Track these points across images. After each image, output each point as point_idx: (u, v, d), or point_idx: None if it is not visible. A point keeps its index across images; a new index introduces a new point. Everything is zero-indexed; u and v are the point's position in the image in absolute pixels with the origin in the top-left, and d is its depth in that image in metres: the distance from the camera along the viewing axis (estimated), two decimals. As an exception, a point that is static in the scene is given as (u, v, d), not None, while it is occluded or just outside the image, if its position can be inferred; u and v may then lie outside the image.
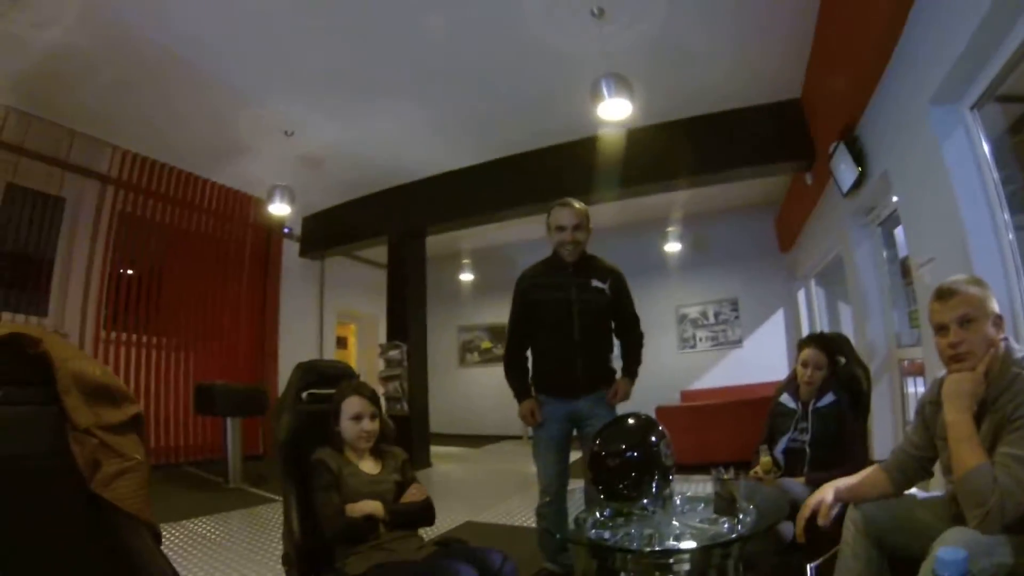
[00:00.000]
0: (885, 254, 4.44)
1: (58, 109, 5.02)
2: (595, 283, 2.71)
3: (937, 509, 1.63)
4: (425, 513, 1.88)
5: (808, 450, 2.47)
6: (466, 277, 9.82)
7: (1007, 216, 2.71)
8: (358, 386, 1.97)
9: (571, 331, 2.66)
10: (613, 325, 2.84)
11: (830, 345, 2.66)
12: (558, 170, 5.89)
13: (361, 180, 6.95)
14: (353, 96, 5.06)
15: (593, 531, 1.58)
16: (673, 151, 5.42)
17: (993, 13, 2.27)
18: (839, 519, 1.73)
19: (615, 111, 4.08)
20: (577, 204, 2.75)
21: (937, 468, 1.72)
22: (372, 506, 1.77)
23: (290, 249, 7.90)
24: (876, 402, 3.09)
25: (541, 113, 5.40)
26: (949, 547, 0.90)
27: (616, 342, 2.88)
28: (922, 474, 1.76)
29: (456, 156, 6.36)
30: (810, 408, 2.56)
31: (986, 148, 2.80)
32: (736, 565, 1.49)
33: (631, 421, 1.84)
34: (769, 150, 5.21)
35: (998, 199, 2.73)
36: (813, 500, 1.74)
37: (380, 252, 7.55)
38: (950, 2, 2.59)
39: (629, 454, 1.67)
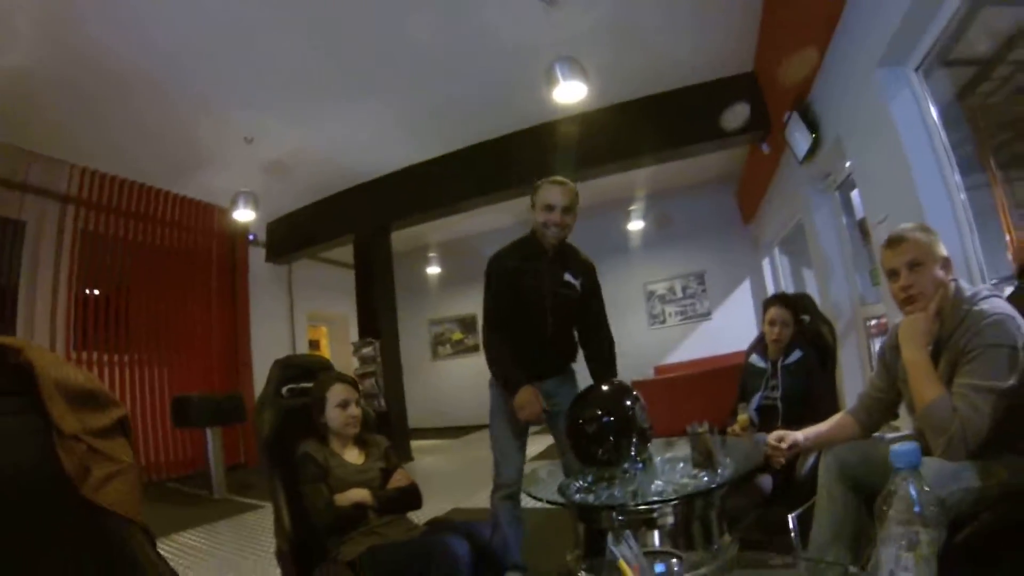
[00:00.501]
0: (844, 220, 4.57)
1: (14, 131, 4.85)
2: (568, 277, 2.49)
3: None
4: (412, 496, 1.92)
5: (780, 406, 2.55)
6: (433, 270, 9.81)
7: (957, 177, 2.83)
8: (339, 375, 2.01)
9: (543, 326, 2.46)
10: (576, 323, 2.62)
11: (794, 304, 2.75)
12: (520, 157, 5.91)
13: (323, 182, 6.89)
14: (310, 98, 5.01)
15: (578, 496, 1.61)
16: (632, 131, 5.50)
17: None
18: (814, 468, 1.80)
19: (571, 94, 4.13)
20: (569, 183, 2.48)
21: (903, 410, 1.80)
22: (360, 494, 1.80)
23: (256, 255, 7.80)
24: (844, 360, 3.21)
25: (499, 102, 5.42)
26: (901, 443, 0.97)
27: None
28: (888, 415, 1.85)
29: (416, 150, 6.35)
30: (779, 365, 2.64)
31: (934, 111, 2.91)
32: (719, 517, 1.54)
33: (604, 388, 1.88)
34: (732, 121, 5.29)
35: (948, 160, 2.84)
36: (779, 433, 1.84)
37: (347, 252, 7.51)
38: None
39: (606, 419, 1.70)
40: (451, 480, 5.28)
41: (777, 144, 5.01)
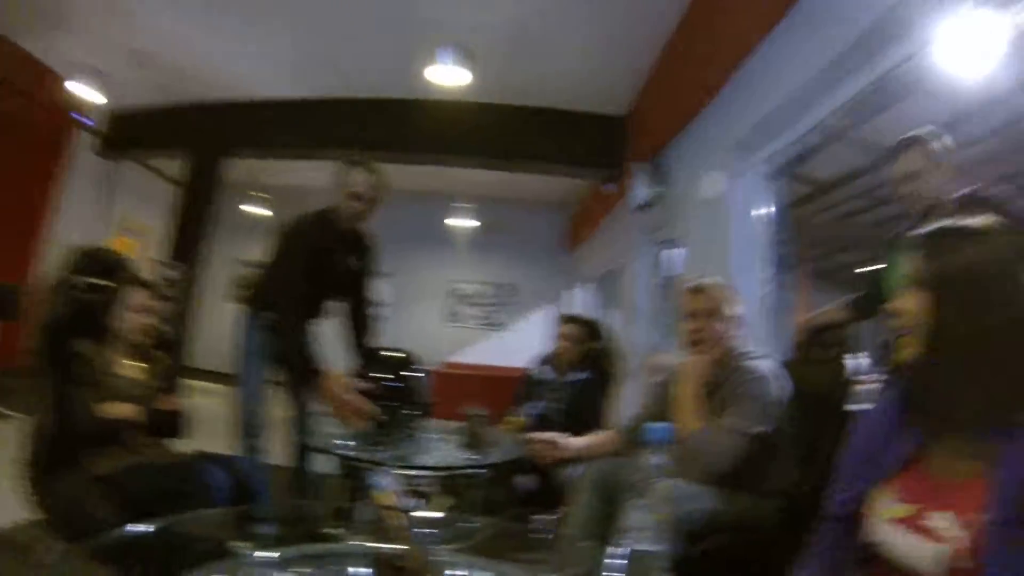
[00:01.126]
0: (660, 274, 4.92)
1: None
2: (353, 261, 2.51)
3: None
4: (177, 422, 1.83)
5: (559, 419, 2.66)
6: (256, 210, 8.80)
7: (770, 272, 3.14)
8: (145, 280, 1.87)
9: (323, 305, 2.48)
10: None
11: (589, 326, 2.91)
12: (374, 123, 5.59)
13: (181, 87, 5.88)
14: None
15: (344, 451, 1.65)
16: (492, 131, 5.45)
17: (802, 92, 2.66)
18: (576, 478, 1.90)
19: (446, 78, 4.05)
20: (383, 175, 2.43)
21: None
22: (128, 409, 1.67)
23: (87, 146, 6.46)
24: (630, 399, 3.42)
25: (373, 64, 5.06)
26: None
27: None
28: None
29: (277, 85, 5.69)
30: (565, 380, 2.78)
31: (766, 210, 3.20)
32: (480, 498, 1.66)
33: (390, 353, 1.97)
34: (586, 157, 5.46)
35: (768, 254, 3.15)
36: (553, 435, 1.97)
37: (177, 168, 6.50)
38: (772, 71, 2.91)
39: (388, 383, 1.80)
40: (224, 425, 4.72)
41: (621, 186, 5.26)
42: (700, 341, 1.85)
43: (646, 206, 4.45)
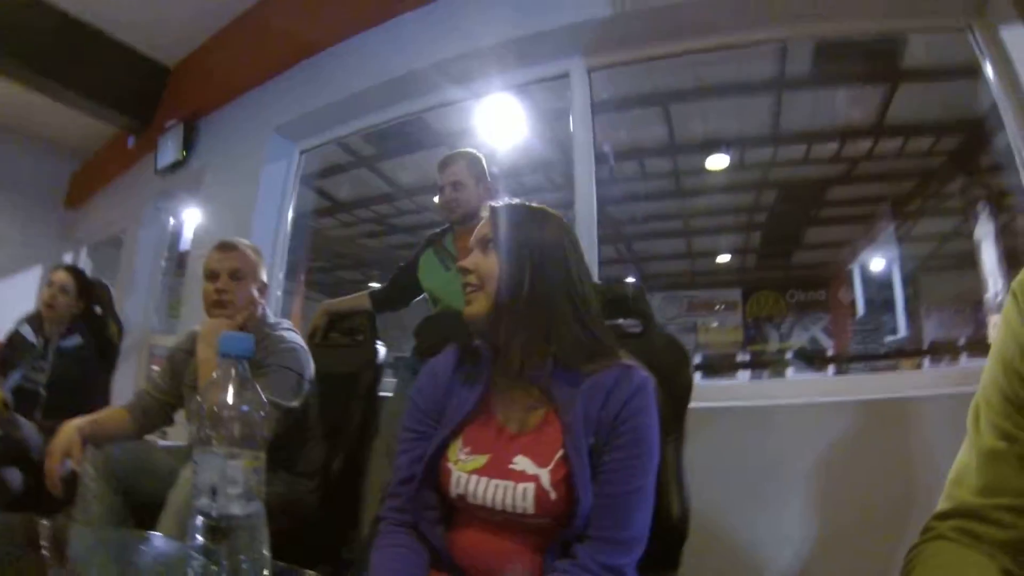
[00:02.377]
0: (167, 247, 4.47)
1: None
2: None
3: (180, 455, 1.64)
4: None
5: (43, 392, 2.21)
6: None
7: (281, 275, 3.23)
8: None
9: None
10: None
11: (88, 284, 2.45)
12: None
13: None
14: None
15: None
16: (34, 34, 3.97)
17: (345, 105, 2.92)
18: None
19: None
20: None
21: (179, 417, 1.80)
22: None
23: None
24: (119, 380, 2.94)
25: None
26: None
27: None
28: (165, 419, 1.79)
29: None
30: (53, 346, 2.30)
31: (290, 214, 3.27)
32: None
33: None
34: (116, 94, 4.51)
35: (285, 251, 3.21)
36: (60, 445, 1.50)
37: None
38: (326, 76, 3.09)
39: None
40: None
41: (146, 143, 4.59)
42: (227, 303, 1.66)
43: (170, 170, 4.00)
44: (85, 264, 6.32)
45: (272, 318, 1.80)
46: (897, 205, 5.19)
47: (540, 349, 0.98)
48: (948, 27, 2.16)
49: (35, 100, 4.64)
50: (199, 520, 0.64)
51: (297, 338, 1.74)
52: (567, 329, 0.99)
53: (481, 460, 0.97)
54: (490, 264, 1.02)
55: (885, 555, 1.56)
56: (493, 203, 1.09)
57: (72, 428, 1.55)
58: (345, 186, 4.73)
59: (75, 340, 2.34)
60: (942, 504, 0.73)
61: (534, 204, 1.10)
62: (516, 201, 1.09)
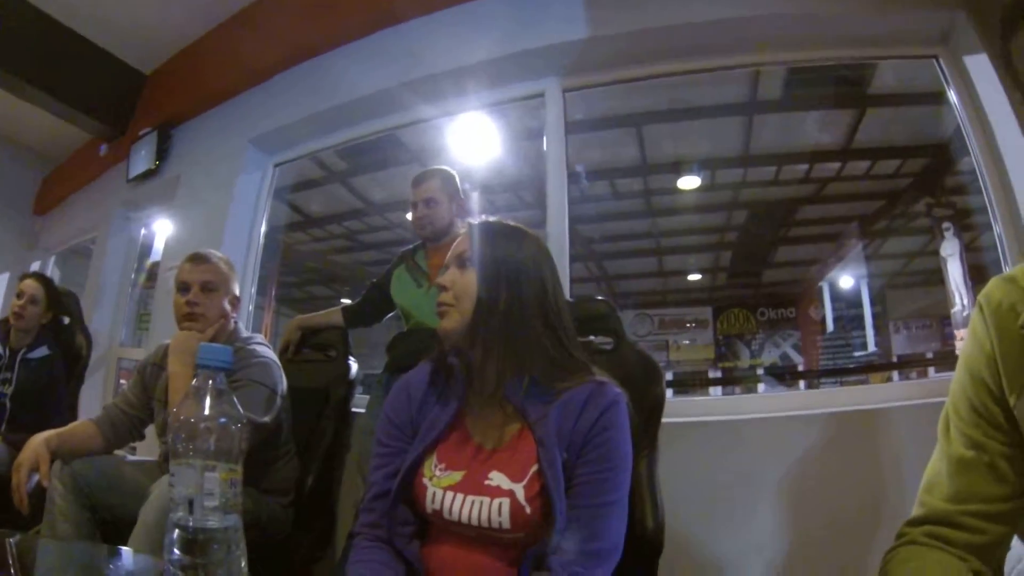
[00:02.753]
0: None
1: None
2: None
3: (149, 470, 1.61)
4: None
5: (8, 404, 2.17)
6: None
7: (252, 289, 3.20)
8: None
9: None
10: None
11: (56, 293, 2.39)
12: None
13: None
14: None
15: None
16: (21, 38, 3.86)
17: (321, 119, 2.91)
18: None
19: None
20: None
21: (150, 432, 1.76)
22: None
23: None
24: (86, 394, 2.87)
25: None
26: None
27: None
28: (134, 434, 1.75)
29: None
30: (19, 356, 2.25)
31: (263, 227, 3.26)
32: None
33: None
34: (90, 98, 4.40)
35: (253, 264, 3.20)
36: (28, 459, 1.44)
37: None
38: (303, 88, 3.07)
39: None
40: None
41: (119, 151, 4.51)
42: (198, 316, 1.64)
43: (141, 178, 3.94)
44: (53, 273, 6.15)
45: (244, 332, 1.79)
46: (865, 224, 5.30)
47: (514, 366, 0.99)
48: (915, 55, 2.26)
49: (3, 101, 4.51)
50: (175, 533, 0.63)
51: (269, 352, 1.73)
52: (542, 346, 0.99)
53: (456, 476, 0.97)
54: (467, 281, 1.02)
55: (855, 562, 1.60)
56: (471, 220, 1.09)
57: (40, 442, 1.50)
58: (317, 200, 4.70)
59: (41, 351, 2.28)
60: (915, 511, 0.76)
61: (511, 222, 1.10)
62: (494, 219, 1.10)
